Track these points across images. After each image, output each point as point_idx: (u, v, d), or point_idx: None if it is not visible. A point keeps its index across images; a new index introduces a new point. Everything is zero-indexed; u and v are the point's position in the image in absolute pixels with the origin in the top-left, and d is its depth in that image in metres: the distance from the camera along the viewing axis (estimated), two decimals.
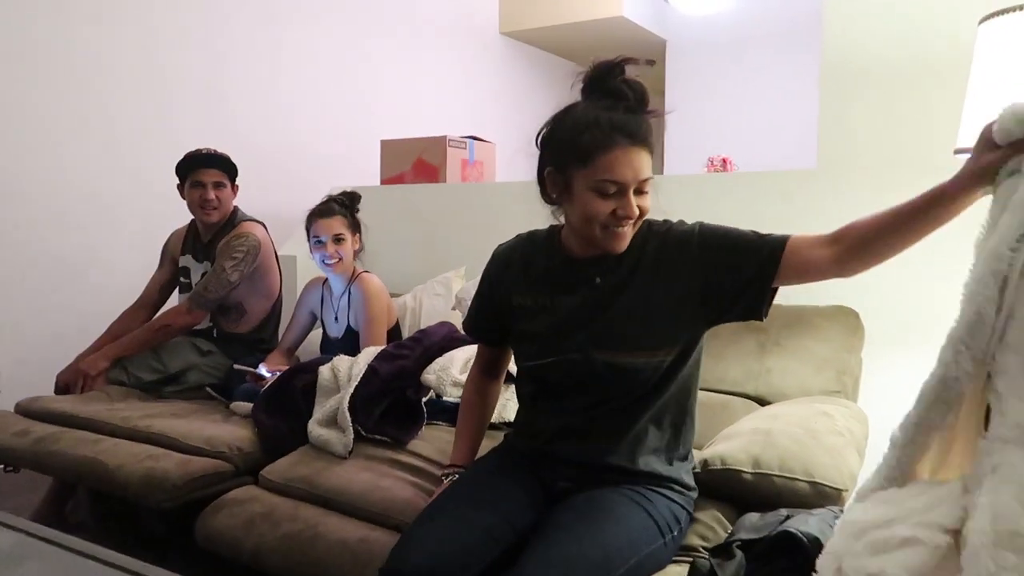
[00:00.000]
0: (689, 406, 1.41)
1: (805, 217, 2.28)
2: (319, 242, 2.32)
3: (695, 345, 1.37)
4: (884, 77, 2.18)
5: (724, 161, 4.31)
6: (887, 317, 2.15)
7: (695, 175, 2.77)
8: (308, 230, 2.36)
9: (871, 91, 2.20)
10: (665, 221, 1.39)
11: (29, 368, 2.89)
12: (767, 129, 5.13)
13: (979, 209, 1.98)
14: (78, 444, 1.91)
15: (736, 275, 1.28)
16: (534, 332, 1.40)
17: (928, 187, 2.10)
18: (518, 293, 1.43)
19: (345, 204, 2.39)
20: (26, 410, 2.19)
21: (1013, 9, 1.46)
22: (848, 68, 2.23)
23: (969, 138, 1.55)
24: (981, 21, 1.57)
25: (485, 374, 1.60)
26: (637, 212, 1.26)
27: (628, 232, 1.29)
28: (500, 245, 1.53)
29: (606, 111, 1.25)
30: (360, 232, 2.41)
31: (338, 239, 2.33)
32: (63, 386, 2.38)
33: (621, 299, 1.33)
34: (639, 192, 1.26)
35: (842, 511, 1.24)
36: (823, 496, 1.34)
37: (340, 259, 2.33)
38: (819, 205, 2.28)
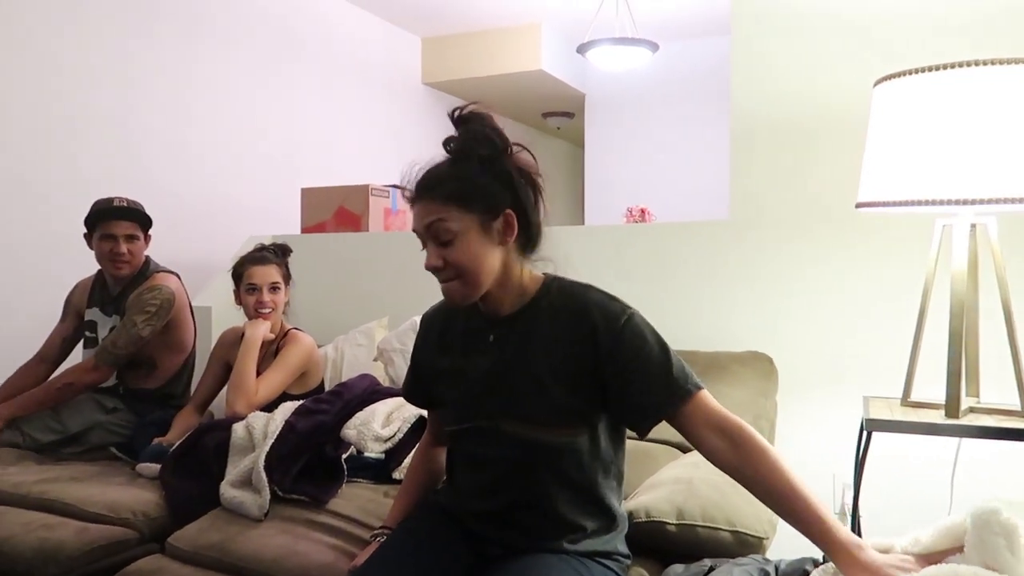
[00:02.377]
0: (614, 476, 1.34)
1: (718, 265, 2.37)
2: (253, 289, 2.26)
3: (599, 425, 1.29)
4: (789, 133, 2.29)
5: (643, 211, 4.42)
6: (798, 362, 2.22)
7: (613, 225, 2.84)
8: (238, 276, 2.29)
9: (776, 147, 2.31)
10: (576, 286, 1.32)
11: None
12: (684, 180, 5.32)
13: (881, 256, 2.08)
14: None
15: (636, 396, 1.23)
16: (450, 398, 1.38)
17: (830, 239, 2.22)
18: (438, 355, 1.41)
19: (277, 253, 2.35)
20: None
21: (904, 73, 1.57)
22: (755, 124, 2.34)
23: (868, 193, 1.64)
24: (876, 83, 1.67)
25: (432, 439, 1.55)
26: (438, 263, 1.25)
27: (454, 287, 1.26)
28: (427, 310, 1.50)
29: (437, 164, 1.29)
30: (289, 285, 2.36)
31: (274, 287, 2.28)
32: None
33: (516, 364, 1.29)
34: (444, 243, 1.24)
35: (766, 559, 1.25)
36: (745, 545, 1.36)
37: (274, 308, 2.28)
38: (732, 254, 2.36)
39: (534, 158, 1.31)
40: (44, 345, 2.52)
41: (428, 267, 1.27)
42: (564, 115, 6.32)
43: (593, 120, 5.77)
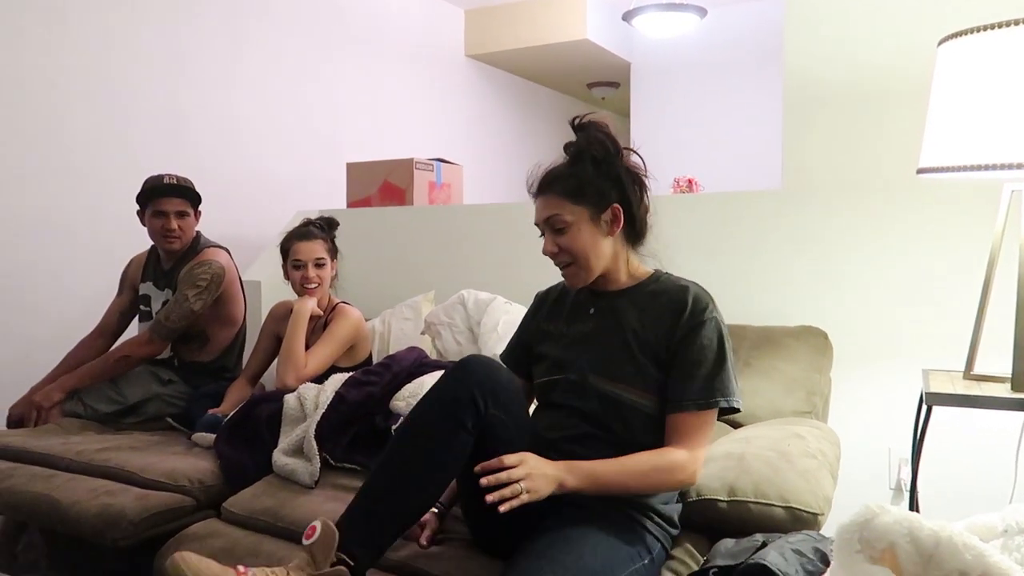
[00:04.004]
0: None
1: (771, 237, 2.30)
2: (299, 265, 2.28)
3: None
4: (845, 99, 2.21)
5: (690, 182, 4.34)
6: (854, 336, 2.16)
7: (660, 196, 2.77)
8: (285, 252, 2.32)
9: (833, 113, 2.23)
10: (682, 280, 1.46)
11: None
12: (733, 150, 5.19)
13: (942, 226, 2.00)
14: (30, 480, 1.83)
15: (676, 381, 1.37)
16: (547, 353, 1.51)
17: (890, 209, 2.14)
18: (545, 321, 1.56)
19: (324, 228, 2.35)
20: None
21: (971, 31, 1.49)
22: (809, 91, 2.26)
23: (931, 158, 1.57)
24: (940, 43, 1.59)
25: None
26: (554, 249, 1.42)
27: (570, 271, 1.44)
28: (545, 289, 1.65)
29: (557, 164, 1.46)
30: (336, 259, 2.38)
31: (319, 263, 2.29)
32: (15, 419, 2.29)
33: (611, 330, 1.43)
34: (558, 231, 1.41)
35: (821, 536, 1.23)
36: (799, 521, 1.33)
37: (320, 283, 2.29)
38: (784, 225, 2.30)
39: (643, 161, 1.48)
40: (102, 319, 2.59)
41: (545, 253, 1.44)
42: (609, 85, 6.22)
43: (639, 89, 5.66)
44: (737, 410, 1.36)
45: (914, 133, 1.80)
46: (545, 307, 1.59)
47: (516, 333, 1.65)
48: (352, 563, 1.21)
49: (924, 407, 1.63)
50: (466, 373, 1.33)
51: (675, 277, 1.48)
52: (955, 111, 1.51)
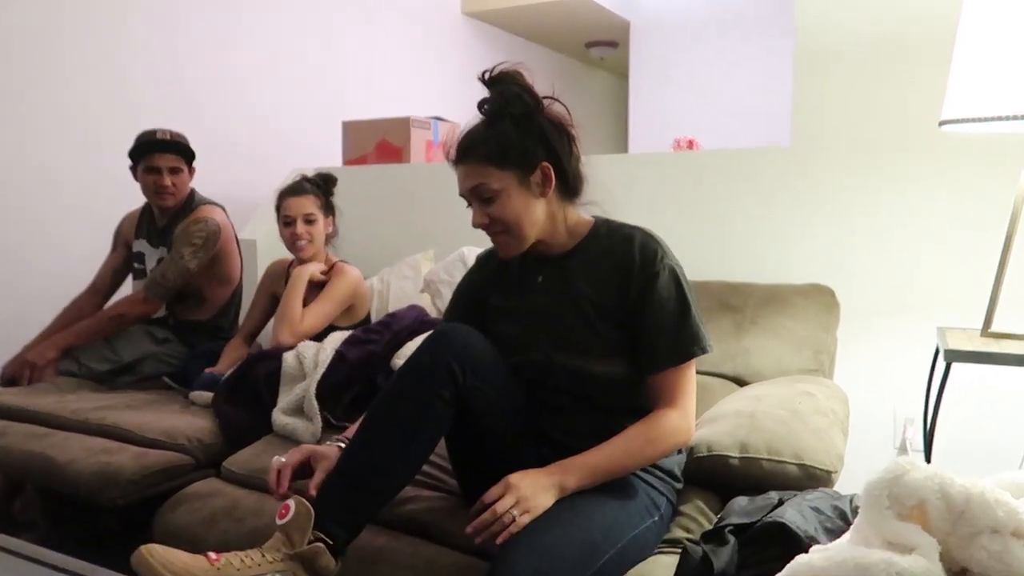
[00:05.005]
0: None
1: (778, 194, 2.26)
2: (288, 221, 2.21)
3: None
4: (861, 50, 2.15)
5: (691, 142, 4.27)
6: (861, 294, 2.13)
7: (661, 153, 2.73)
8: (277, 209, 2.25)
9: (846, 66, 2.17)
10: (625, 227, 1.36)
11: None
12: (737, 111, 5.11)
13: (960, 181, 1.95)
14: (25, 439, 1.80)
15: (646, 341, 1.30)
16: (502, 331, 1.41)
17: (904, 164, 2.09)
18: (493, 294, 1.47)
19: (318, 184, 2.27)
20: None
21: None
22: (822, 42, 2.19)
23: (955, 109, 1.52)
24: None
25: None
26: (484, 220, 1.32)
27: (503, 240, 1.34)
28: (484, 251, 1.55)
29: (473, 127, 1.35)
30: (334, 215, 2.31)
31: (309, 219, 2.20)
32: (9, 377, 2.25)
33: (564, 300, 1.35)
34: (486, 201, 1.31)
35: (837, 493, 1.21)
36: (813, 478, 1.31)
37: (310, 240, 2.22)
38: (792, 182, 2.25)
39: (567, 109, 1.35)
40: (96, 277, 2.54)
41: (475, 225, 1.34)
42: (608, 44, 6.10)
43: (638, 48, 5.55)
44: (707, 352, 1.31)
45: (935, 85, 1.75)
46: (486, 275, 1.50)
47: (455, 298, 1.54)
48: (330, 540, 1.16)
49: (940, 366, 1.60)
50: (441, 343, 1.27)
51: (617, 224, 1.38)
52: (982, 59, 1.46)
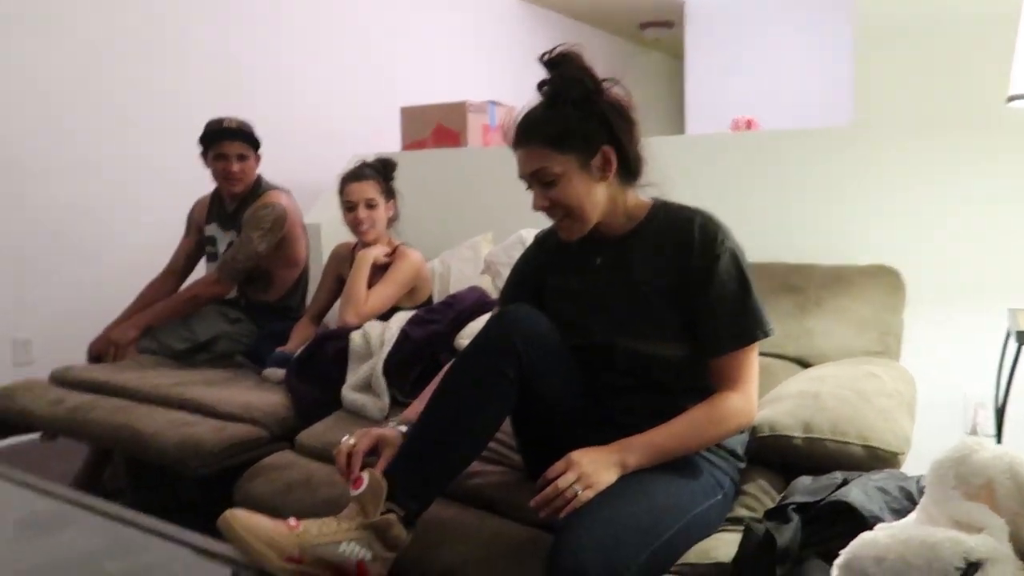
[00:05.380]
0: None
1: (840, 174, 2.22)
2: (350, 207, 2.27)
3: None
4: (923, 26, 2.09)
5: (748, 123, 4.20)
6: (928, 275, 2.09)
7: (718, 134, 2.70)
8: (340, 194, 2.31)
9: (909, 41, 2.12)
10: (685, 209, 1.35)
11: (59, 340, 2.90)
12: (796, 91, 5.00)
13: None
14: (113, 412, 1.91)
15: (706, 325, 1.30)
16: (561, 313, 1.41)
17: (971, 141, 2.04)
18: (551, 275, 1.47)
19: (378, 169, 2.32)
20: (60, 379, 2.19)
21: None
22: (883, 18, 2.14)
23: None
24: None
25: None
26: (545, 204, 1.32)
27: (565, 224, 1.34)
28: (543, 230, 1.55)
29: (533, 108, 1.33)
30: (395, 199, 2.36)
31: (370, 204, 2.26)
32: (95, 355, 2.38)
33: (623, 283, 1.35)
34: (546, 185, 1.30)
35: (904, 475, 1.21)
36: (878, 460, 1.31)
37: (372, 225, 2.27)
38: (855, 161, 2.21)
39: (627, 91, 1.33)
40: (171, 259, 2.66)
41: (536, 208, 1.34)
42: (662, 25, 6.02)
43: (694, 28, 5.47)
44: (769, 335, 1.30)
45: (1003, 58, 1.70)
46: (544, 255, 1.50)
47: (512, 278, 1.55)
48: (402, 512, 1.21)
49: (1011, 348, 1.57)
50: (506, 323, 1.29)
51: (676, 206, 1.37)
52: None
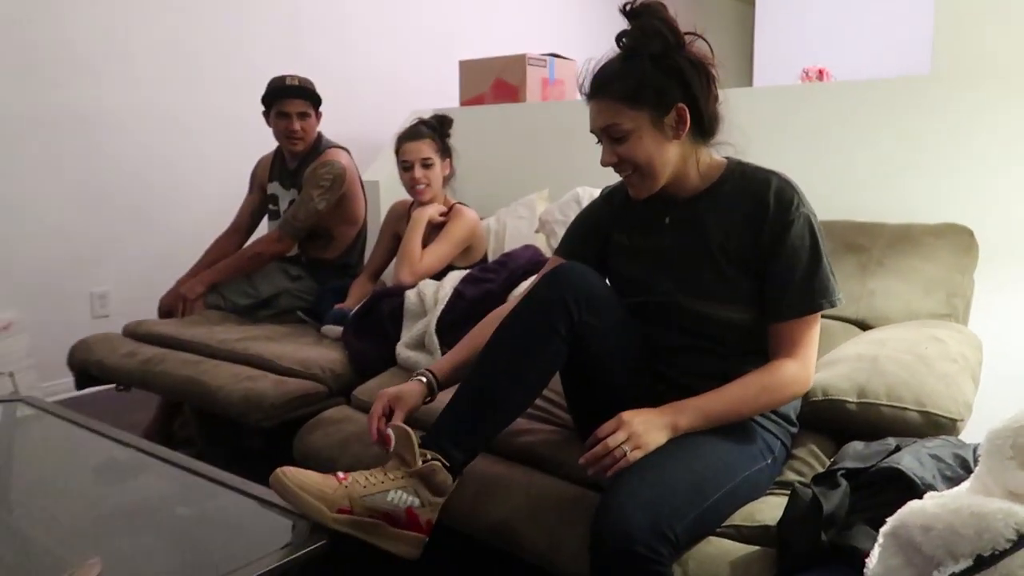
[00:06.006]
0: None
1: (918, 129, 2.12)
2: (407, 166, 2.28)
3: None
4: None
5: (820, 72, 4.02)
6: (1003, 235, 1.99)
7: (787, 86, 2.59)
8: (397, 153, 2.32)
9: None
10: (760, 171, 1.32)
11: (134, 292, 3.04)
12: (870, 37, 4.75)
13: None
14: (182, 365, 2.00)
15: (774, 290, 1.28)
16: (624, 270, 1.42)
17: None
18: (617, 231, 1.45)
19: (434, 127, 2.32)
20: (133, 332, 2.30)
21: None
22: None
23: None
24: None
25: None
26: (613, 159, 1.30)
27: (633, 180, 1.32)
28: (612, 185, 1.52)
29: (609, 61, 1.30)
30: (451, 157, 2.36)
31: (426, 163, 2.27)
32: (165, 310, 2.49)
33: (692, 244, 1.33)
34: (617, 140, 1.28)
35: (960, 442, 1.17)
36: (936, 426, 1.27)
37: (428, 184, 2.28)
38: (933, 115, 2.10)
39: (710, 46, 1.30)
40: (235, 217, 2.73)
41: (604, 163, 1.32)
42: None
43: None
44: (835, 305, 1.27)
45: None
46: (611, 209, 1.48)
47: (575, 227, 1.53)
48: (448, 461, 1.23)
49: None
50: (558, 279, 1.28)
51: (752, 168, 1.33)
52: None
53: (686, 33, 1.28)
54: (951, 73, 2.07)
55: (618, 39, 1.29)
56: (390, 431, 1.27)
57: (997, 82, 2.00)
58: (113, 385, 2.16)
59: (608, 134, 1.29)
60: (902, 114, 2.14)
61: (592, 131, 1.32)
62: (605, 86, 1.28)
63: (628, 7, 1.28)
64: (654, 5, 1.27)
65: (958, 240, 1.90)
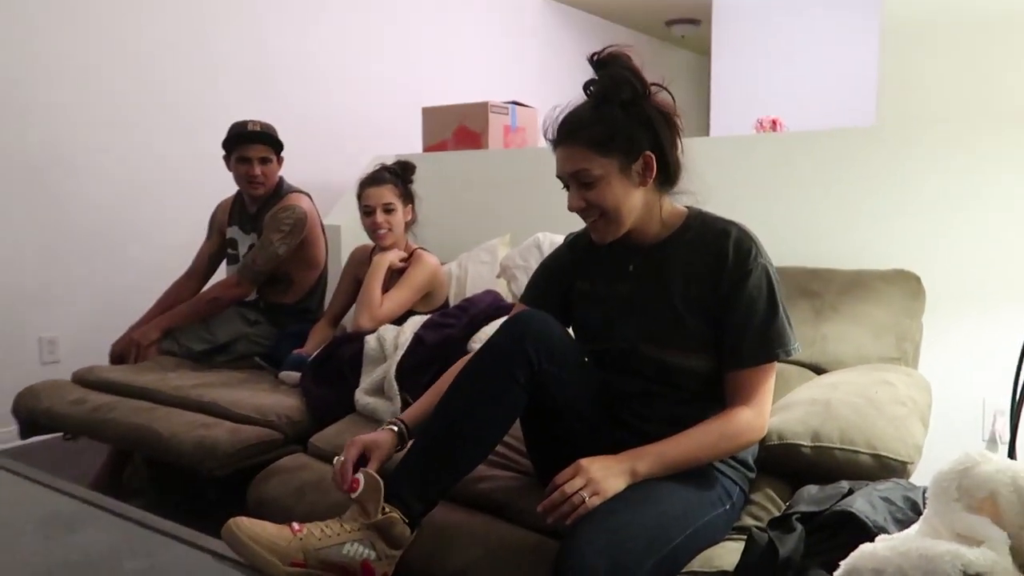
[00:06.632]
0: None
1: (863, 178, 2.19)
2: (368, 211, 2.29)
3: None
4: (954, 24, 2.05)
5: (774, 122, 4.15)
6: (950, 281, 2.05)
7: (742, 136, 2.68)
8: (359, 198, 2.32)
9: (937, 40, 2.08)
10: (720, 221, 1.35)
11: (84, 339, 2.97)
12: (822, 90, 4.93)
13: None
14: (133, 413, 1.95)
15: (729, 339, 1.30)
16: (588, 317, 1.43)
17: (996, 145, 2.00)
18: (580, 278, 1.47)
19: (397, 173, 2.33)
20: (82, 379, 2.24)
21: None
22: (912, 15, 2.11)
23: None
24: None
25: None
26: (581, 204, 1.31)
27: (599, 225, 1.33)
28: (575, 232, 1.54)
29: (577, 108, 1.32)
30: (413, 203, 2.37)
31: (388, 208, 2.27)
32: (117, 356, 2.43)
33: (654, 292, 1.35)
34: (586, 185, 1.29)
35: (911, 484, 1.19)
36: (887, 469, 1.29)
37: (390, 229, 2.29)
38: (877, 163, 2.18)
39: (672, 96, 1.32)
40: (193, 262, 2.70)
41: (571, 209, 1.33)
42: (689, 22, 5.98)
43: (721, 26, 5.41)
44: (791, 355, 1.30)
45: None
46: (575, 257, 1.49)
47: (539, 275, 1.53)
48: (406, 512, 1.22)
49: None
50: (518, 327, 1.29)
51: (712, 217, 1.36)
52: None
53: (651, 84, 1.31)
54: (895, 125, 2.16)
55: (586, 87, 1.32)
56: (360, 476, 1.25)
57: (938, 134, 2.09)
58: (60, 434, 2.10)
59: (577, 179, 1.30)
60: (851, 164, 2.22)
61: (559, 176, 1.34)
62: (575, 132, 1.30)
63: (596, 57, 1.31)
64: (621, 56, 1.30)
65: (906, 286, 1.96)
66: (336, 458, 1.35)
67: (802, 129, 4.04)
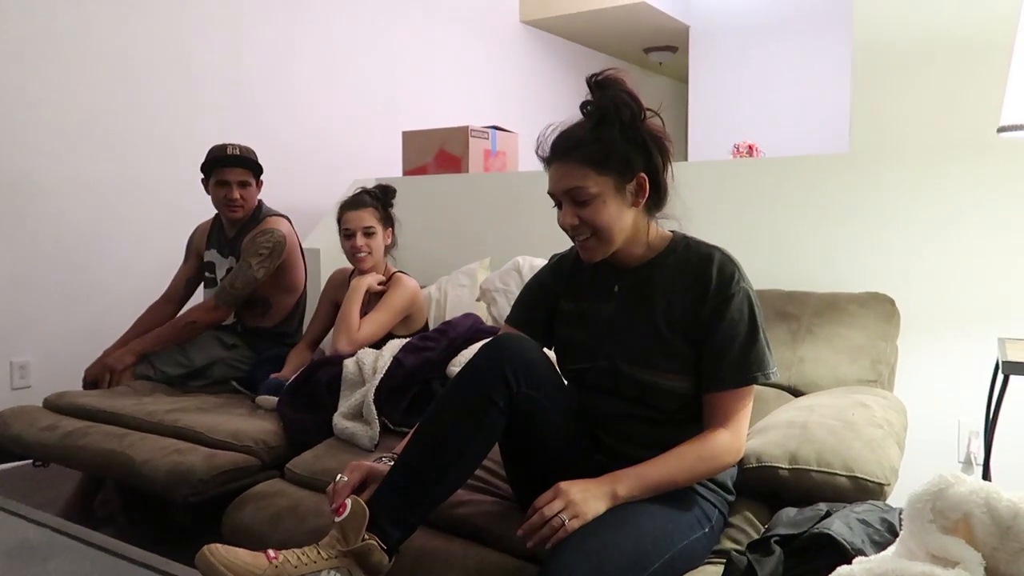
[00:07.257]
0: None
1: (837, 201, 2.23)
2: (348, 234, 2.28)
3: None
4: (921, 54, 2.11)
5: (751, 148, 4.22)
6: (923, 303, 2.09)
7: (719, 160, 2.71)
8: (339, 221, 2.32)
9: (905, 70, 2.13)
10: (703, 245, 1.37)
11: (57, 363, 2.92)
12: (797, 116, 5.03)
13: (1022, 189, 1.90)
14: (105, 439, 1.91)
15: (709, 361, 1.31)
16: (571, 337, 1.43)
17: (965, 171, 2.05)
18: (564, 298, 1.47)
19: (377, 196, 2.33)
20: (54, 405, 2.20)
21: None
22: (882, 45, 2.16)
23: (1014, 115, 1.49)
24: None
25: None
26: (574, 222, 1.31)
27: (589, 244, 1.33)
28: (560, 252, 1.55)
29: (574, 126, 1.34)
30: (394, 227, 2.37)
31: (368, 232, 2.27)
32: (90, 381, 2.39)
33: (637, 313, 1.36)
34: (580, 203, 1.30)
35: (887, 506, 1.20)
36: (864, 491, 1.30)
37: (369, 252, 2.29)
38: (851, 188, 2.22)
39: (663, 121, 1.35)
40: (170, 285, 2.67)
41: (564, 226, 1.33)
42: (667, 49, 6.07)
43: (698, 53, 5.51)
44: (770, 379, 1.31)
45: (995, 90, 1.71)
46: (559, 277, 1.50)
47: (525, 297, 1.54)
48: (384, 539, 1.20)
49: (1000, 377, 1.56)
50: (497, 351, 1.29)
51: (695, 242, 1.38)
52: None
53: (647, 109, 1.34)
54: (868, 151, 2.20)
55: (583, 107, 1.33)
56: (348, 501, 1.23)
57: (911, 160, 2.13)
58: (30, 461, 2.06)
59: (571, 197, 1.31)
60: (825, 189, 2.26)
61: (551, 193, 1.34)
62: (572, 150, 1.31)
63: (595, 79, 1.33)
64: (618, 78, 1.33)
65: (881, 308, 1.99)
66: (339, 475, 1.33)
67: (778, 155, 4.10)
